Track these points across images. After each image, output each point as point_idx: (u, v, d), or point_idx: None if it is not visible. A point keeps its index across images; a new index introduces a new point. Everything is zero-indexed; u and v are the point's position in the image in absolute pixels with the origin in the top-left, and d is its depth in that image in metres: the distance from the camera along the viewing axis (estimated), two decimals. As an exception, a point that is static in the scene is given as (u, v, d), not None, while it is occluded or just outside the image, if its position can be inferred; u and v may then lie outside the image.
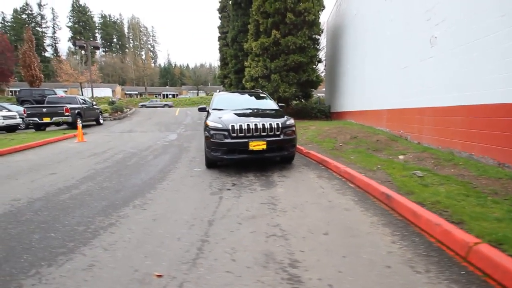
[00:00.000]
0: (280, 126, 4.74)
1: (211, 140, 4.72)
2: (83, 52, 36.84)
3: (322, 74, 16.93)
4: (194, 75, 58.42)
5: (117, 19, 75.19)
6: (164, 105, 35.46)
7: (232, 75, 18.48)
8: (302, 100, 15.81)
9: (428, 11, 5.71)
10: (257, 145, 4.57)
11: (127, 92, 54.49)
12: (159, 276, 1.90)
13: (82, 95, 28.22)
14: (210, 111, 5.75)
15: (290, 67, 13.38)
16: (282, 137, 4.76)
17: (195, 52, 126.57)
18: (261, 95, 6.69)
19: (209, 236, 2.49)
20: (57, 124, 12.62)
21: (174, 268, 2.00)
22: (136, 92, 54.17)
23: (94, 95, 25.65)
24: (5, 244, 2.42)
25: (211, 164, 5.18)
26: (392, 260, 2.05)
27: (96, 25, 67.66)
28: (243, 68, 17.21)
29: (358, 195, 3.54)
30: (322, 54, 17.03)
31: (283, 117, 5.07)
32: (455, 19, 4.97)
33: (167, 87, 63.52)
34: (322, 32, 14.30)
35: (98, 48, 27.37)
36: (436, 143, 5.50)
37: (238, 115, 5.09)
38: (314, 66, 13.95)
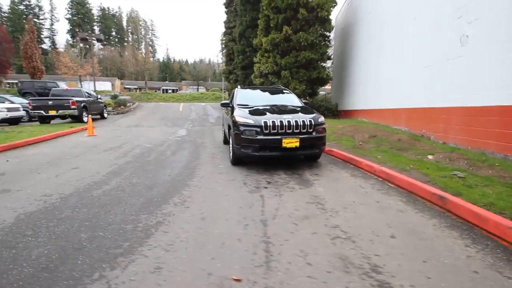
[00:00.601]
0: (313, 123, 4.62)
1: (242, 136, 4.58)
2: (81, 45, 36.25)
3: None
4: (194, 70, 57.92)
5: (116, 12, 74.05)
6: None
7: (238, 71, 18.26)
8: (308, 98, 15.69)
9: (459, 8, 5.60)
10: (290, 142, 4.44)
11: (126, 86, 53.80)
12: (238, 280, 1.78)
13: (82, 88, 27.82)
14: (234, 106, 5.59)
15: (301, 63, 13.22)
16: (314, 134, 4.64)
17: (194, 47, 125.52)
18: (284, 91, 6.55)
19: (269, 237, 2.37)
20: (63, 117, 12.34)
21: (250, 272, 1.87)
22: (136, 87, 53.50)
23: (85, 88, 25.34)
24: (53, 243, 2.27)
25: (238, 161, 5.04)
26: (475, 265, 1.95)
27: (95, 17, 66.49)
28: (251, 64, 17.02)
29: (404, 195, 3.43)
30: (329, 51, 16.91)
31: (313, 113, 4.94)
32: (489, 18, 4.86)
33: (166, 82, 62.82)
34: (333, 29, 14.14)
35: (101, 41, 26.84)
36: (465, 143, 5.42)
37: (267, 111, 4.95)
38: (324, 64, 13.82)
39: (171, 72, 70.99)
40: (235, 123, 4.79)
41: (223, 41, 22.47)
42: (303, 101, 6.18)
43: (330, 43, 13.49)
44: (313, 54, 12.97)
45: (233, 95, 6.41)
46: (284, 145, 4.42)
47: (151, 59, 51.64)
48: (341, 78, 14.70)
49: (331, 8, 13.15)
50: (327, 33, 13.65)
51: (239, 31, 17.16)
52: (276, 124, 4.46)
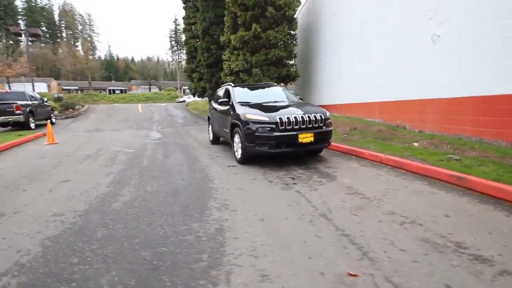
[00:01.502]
0: (323, 117, 4.76)
1: (256, 134, 4.48)
2: (4, 41, 31.01)
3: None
4: (144, 69, 54.38)
5: (46, 4, 64.94)
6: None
7: (203, 69, 17.68)
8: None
9: (429, 11, 6.32)
10: (305, 138, 4.51)
11: (64, 87, 47.68)
12: (355, 275, 1.76)
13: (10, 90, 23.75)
14: (235, 105, 5.44)
15: (271, 61, 13.41)
16: (324, 128, 4.78)
17: (140, 44, 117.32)
18: (276, 86, 6.60)
19: (344, 230, 2.39)
20: (4, 124, 10.42)
21: (357, 266, 1.87)
22: (76, 87, 47.76)
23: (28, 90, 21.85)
24: (118, 268, 1.95)
25: (247, 160, 4.92)
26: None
27: (20, 10, 57.34)
28: (217, 62, 16.64)
29: (424, 179, 3.76)
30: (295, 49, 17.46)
31: (319, 108, 5.09)
32: (458, 19, 5.60)
33: (112, 81, 57.55)
34: (297, 27, 14.63)
35: (38, 36, 23.15)
36: (441, 130, 6.17)
37: (273, 107, 4.93)
38: (292, 61, 14.23)
39: (116, 71, 65.38)
40: (246, 121, 4.66)
41: (184, 38, 21.44)
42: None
43: (296, 41, 13.92)
44: (283, 52, 13.25)
45: (227, 93, 6.21)
46: (300, 140, 4.47)
47: (90, 56, 46.78)
48: (306, 75, 15.31)
49: (297, 8, 13.61)
50: (293, 32, 14.07)
51: (202, 28, 16.60)
52: (291, 120, 4.47)
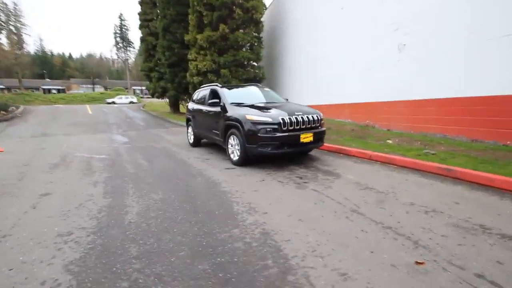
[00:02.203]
0: (319, 118, 4.95)
1: (259, 135, 4.46)
2: None
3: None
4: (85, 66, 49.19)
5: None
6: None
7: (164, 68, 16.74)
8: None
9: (395, 23, 7.07)
10: (306, 138, 4.64)
11: (-16, 86, 40.23)
12: (421, 263, 1.89)
13: None
14: (227, 106, 5.32)
15: (239, 62, 13.40)
16: (320, 128, 4.98)
17: (78, 39, 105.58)
18: (265, 88, 6.63)
19: (383, 223, 2.53)
20: None
21: (417, 254, 2.01)
22: (2, 86, 40.64)
23: None
24: (187, 286, 1.75)
25: (245, 161, 4.85)
26: (523, 211, 2.71)
27: None
28: (180, 61, 15.97)
29: (414, 172, 4.19)
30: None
31: (313, 109, 5.28)
32: (422, 30, 6.39)
33: (47, 80, 50.53)
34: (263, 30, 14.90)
35: None
36: (407, 129, 6.93)
37: (267, 108, 4.95)
38: (259, 64, 14.42)
39: (51, 68, 57.82)
40: (247, 122, 4.59)
41: (141, 35, 19.99)
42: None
43: (262, 44, 14.16)
44: (251, 54, 13.37)
45: (214, 94, 6.02)
46: (301, 140, 4.58)
47: (19, 51, 40.63)
48: (271, 78, 15.68)
49: (263, 11, 13.87)
50: (259, 35, 14.28)
51: (163, 26, 15.72)
52: (293, 121, 4.55)
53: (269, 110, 4.77)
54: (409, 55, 6.78)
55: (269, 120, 4.48)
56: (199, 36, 13.19)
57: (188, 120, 7.55)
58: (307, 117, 4.74)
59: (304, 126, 4.69)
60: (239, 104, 5.33)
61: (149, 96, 22.17)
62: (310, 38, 11.37)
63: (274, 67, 14.99)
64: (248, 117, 4.62)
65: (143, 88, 51.93)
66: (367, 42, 8.12)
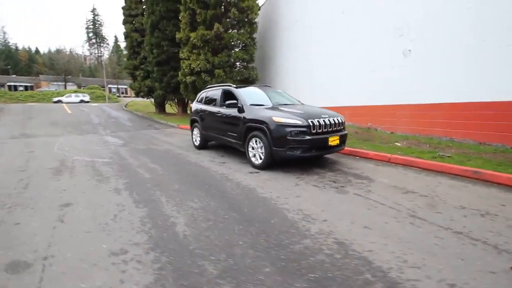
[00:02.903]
0: (343, 121, 4.93)
1: (288, 138, 4.32)
2: None
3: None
4: (55, 62, 46.03)
5: None
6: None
7: (152, 67, 16.02)
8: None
9: (399, 28, 7.29)
10: (334, 140, 4.59)
11: None
12: (519, 269, 1.88)
13: None
14: (246, 107, 5.14)
15: (233, 63, 13.18)
16: (344, 131, 4.96)
17: (45, 33, 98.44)
18: (278, 90, 6.51)
19: (451, 228, 2.51)
20: None
21: (506, 260, 2.00)
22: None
23: None
24: None
25: (270, 164, 4.70)
26: None
27: None
28: (169, 59, 15.38)
29: (441, 175, 4.28)
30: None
31: (334, 112, 5.24)
32: (427, 37, 6.64)
33: (13, 76, 46.32)
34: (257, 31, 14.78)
35: None
36: (412, 132, 7.16)
37: (295, 110, 4.85)
38: (253, 65, 14.27)
39: (17, 63, 53.39)
40: (275, 124, 4.44)
41: (125, 31, 18.98)
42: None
43: (255, 45, 14.04)
44: (245, 55, 13.20)
45: (229, 95, 5.81)
46: (330, 143, 4.52)
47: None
48: (263, 79, 15.60)
49: (258, 12, 13.76)
50: (254, 36, 14.15)
51: (151, 22, 15.03)
52: (321, 124, 4.48)
53: (294, 112, 4.66)
54: (413, 60, 7.01)
55: (299, 122, 4.37)
56: (192, 35, 12.78)
57: (193, 122, 7.23)
58: (333, 119, 4.69)
59: (331, 129, 4.64)
60: (259, 106, 5.18)
61: (129, 95, 21.10)
62: (305, 39, 11.44)
63: (267, 68, 14.92)
64: (276, 119, 4.47)
65: (121, 86, 49.67)
66: (368, 46, 8.29)
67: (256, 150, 4.85)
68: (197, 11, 12.86)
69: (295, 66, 12.51)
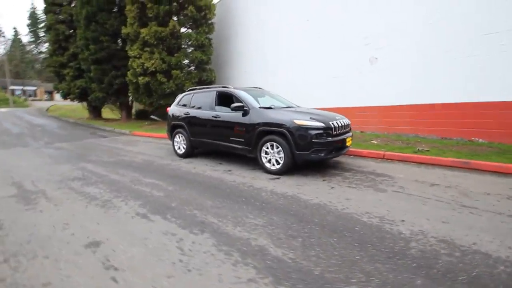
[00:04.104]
0: (350, 122, 5.13)
1: (313, 140, 4.25)
2: None
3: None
4: None
5: None
6: None
7: (87, 65, 13.68)
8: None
9: (366, 38, 8.07)
10: (349, 141, 4.74)
11: None
12: None
13: None
14: (254, 110, 4.88)
15: (193, 64, 12.40)
16: (351, 132, 5.17)
17: None
18: (270, 91, 6.36)
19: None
20: None
21: None
22: None
23: None
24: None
25: (289, 169, 4.55)
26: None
27: None
28: (110, 57, 13.46)
29: (438, 168, 4.85)
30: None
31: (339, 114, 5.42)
32: (393, 46, 7.55)
33: None
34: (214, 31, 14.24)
35: None
36: (381, 130, 8.01)
37: (307, 112, 4.83)
38: (210, 66, 13.68)
39: None
40: (297, 127, 4.30)
41: (47, 23, 15.66)
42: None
43: (212, 46, 13.51)
44: (204, 56, 12.58)
45: (224, 97, 5.41)
46: (346, 144, 4.64)
47: None
48: (220, 82, 15.16)
49: (215, 12, 13.28)
50: (210, 36, 13.60)
51: (86, 13, 12.80)
52: (339, 125, 4.56)
53: (311, 115, 4.62)
54: (380, 67, 7.86)
55: (322, 125, 4.34)
56: (143, 31, 11.48)
57: (174, 128, 6.46)
58: (345, 121, 4.85)
59: (345, 130, 4.78)
60: (267, 109, 4.97)
61: (38, 97, 17.60)
62: (268, 42, 11.58)
63: (223, 71, 14.49)
64: (299, 122, 4.34)
65: (29, 88, 41.01)
66: (337, 52, 8.92)
67: (272, 155, 4.62)
68: (148, 5, 11.64)
69: (256, 70, 12.52)
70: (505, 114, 5.91)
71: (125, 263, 2.08)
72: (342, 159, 5.79)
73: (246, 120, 4.91)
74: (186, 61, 12.35)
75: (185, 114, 6.15)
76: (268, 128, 4.62)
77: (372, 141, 7.27)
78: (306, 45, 9.82)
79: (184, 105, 6.33)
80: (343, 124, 4.68)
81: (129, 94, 12.87)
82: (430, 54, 6.87)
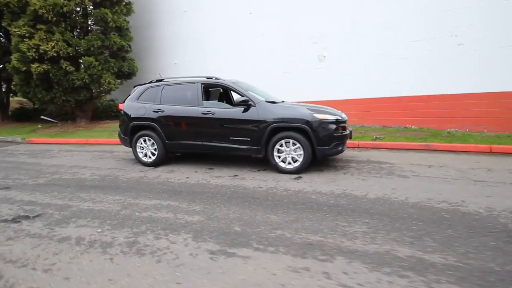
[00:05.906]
0: (344, 115, 5.31)
1: (335, 135, 4.16)
2: None
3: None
4: None
5: None
6: None
7: None
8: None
9: (312, 37, 8.58)
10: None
11: None
12: None
13: None
14: (261, 105, 4.38)
15: (111, 51, 10.03)
16: (346, 125, 5.36)
17: None
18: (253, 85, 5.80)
19: None
20: None
21: None
22: None
23: None
24: None
25: (307, 166, 4.31)
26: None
27: None
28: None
29: (410, 152, 5.65)
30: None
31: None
32: (338, 44, 8.32)
33: None
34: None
35: None
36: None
37: (309, 105, 4.70)
38: (130, 55, 11.45)
39: None
40: (319, 122, 4.09)
41: None
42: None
43: (130, 31, 11.33)
44: (124, 41, 10.43)
45: (206, 90, 4.62)
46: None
47: None
48: (144, 75, 12.96)
49: (132, -7, 11.11)
50: (127, 19, 11.33)
51: None
52: (345, 118, 4.63)
53: (321, 108, 4.51)
54: (328, 64, 8.55)
55: (339, 118, 4.30)
56: (35, 1, 8.37)
57: (136, 130, 5.04)
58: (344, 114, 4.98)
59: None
60: (273, 103, 4.53)
61: None
62: (201, 33, 10.68)
63: (146, 62, 12.39)
64: (320, 116, 4.13)
65: None
66: (284, 49, 9.12)
67: (288, 153, 4.25)
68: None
69: (192, 63, 11.33)
70: (425, 105, 7.55)
71: None
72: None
73: (253, 116, 4.31)
74: (106, 46, 9.83)
75: (154, 111, 4.86)
76: (284, 124, 4.20)
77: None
78: (248, 40, 9.60)
79: (146, 100, 5.00)
80: (345, 117, 4.79)
81: (13, 87, 9.20)
82: (371, 56, 7.98)
